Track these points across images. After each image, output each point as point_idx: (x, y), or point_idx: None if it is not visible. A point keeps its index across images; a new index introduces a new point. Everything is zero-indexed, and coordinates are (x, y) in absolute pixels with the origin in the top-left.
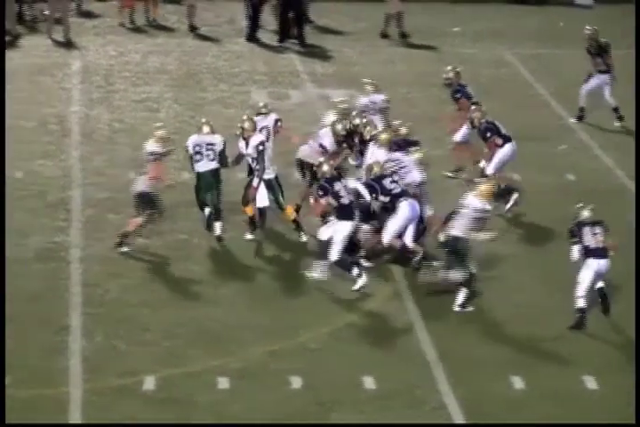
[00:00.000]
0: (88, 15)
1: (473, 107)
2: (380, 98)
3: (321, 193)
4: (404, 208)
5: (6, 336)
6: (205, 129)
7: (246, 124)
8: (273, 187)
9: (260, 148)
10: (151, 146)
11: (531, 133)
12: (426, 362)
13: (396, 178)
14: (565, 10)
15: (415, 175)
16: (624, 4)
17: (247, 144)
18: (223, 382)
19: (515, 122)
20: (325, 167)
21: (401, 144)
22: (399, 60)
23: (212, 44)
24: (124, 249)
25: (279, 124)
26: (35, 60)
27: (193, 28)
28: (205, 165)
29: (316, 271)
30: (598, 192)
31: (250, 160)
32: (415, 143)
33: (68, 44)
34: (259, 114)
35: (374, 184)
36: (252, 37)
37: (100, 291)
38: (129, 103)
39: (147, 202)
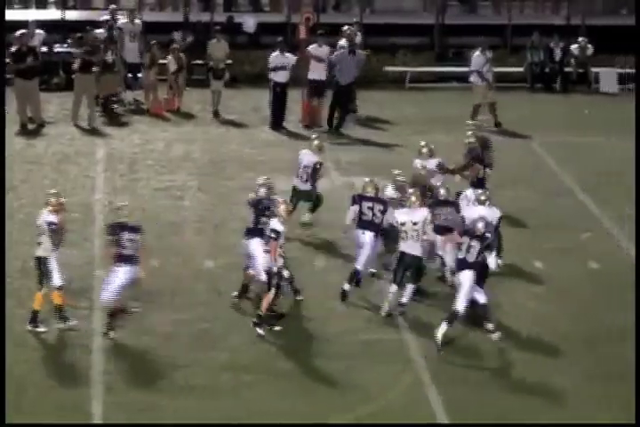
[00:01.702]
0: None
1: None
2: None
3: None
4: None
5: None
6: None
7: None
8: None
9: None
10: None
11: (555, 221)
12: None
13: None
14: (590, 98)
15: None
16: None
17: None
18: None
19: (540, 210)
20: None
21: None
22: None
23: (237, 132)
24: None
25: (317, 166)
26: (60, 148)
27: (217, 114)
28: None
29: None
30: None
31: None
32: None
33: (92, 132)
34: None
35: None
36: (276, 125)
37: (120, 379)
38: (152, 191)
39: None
